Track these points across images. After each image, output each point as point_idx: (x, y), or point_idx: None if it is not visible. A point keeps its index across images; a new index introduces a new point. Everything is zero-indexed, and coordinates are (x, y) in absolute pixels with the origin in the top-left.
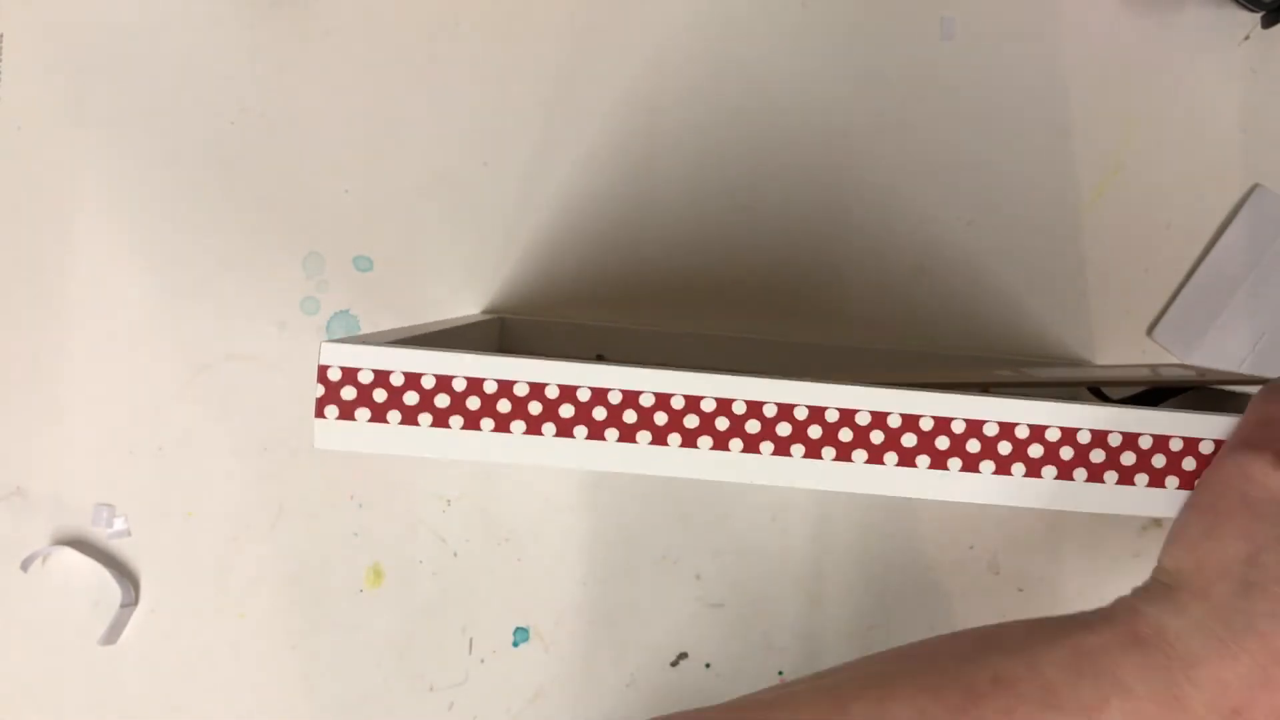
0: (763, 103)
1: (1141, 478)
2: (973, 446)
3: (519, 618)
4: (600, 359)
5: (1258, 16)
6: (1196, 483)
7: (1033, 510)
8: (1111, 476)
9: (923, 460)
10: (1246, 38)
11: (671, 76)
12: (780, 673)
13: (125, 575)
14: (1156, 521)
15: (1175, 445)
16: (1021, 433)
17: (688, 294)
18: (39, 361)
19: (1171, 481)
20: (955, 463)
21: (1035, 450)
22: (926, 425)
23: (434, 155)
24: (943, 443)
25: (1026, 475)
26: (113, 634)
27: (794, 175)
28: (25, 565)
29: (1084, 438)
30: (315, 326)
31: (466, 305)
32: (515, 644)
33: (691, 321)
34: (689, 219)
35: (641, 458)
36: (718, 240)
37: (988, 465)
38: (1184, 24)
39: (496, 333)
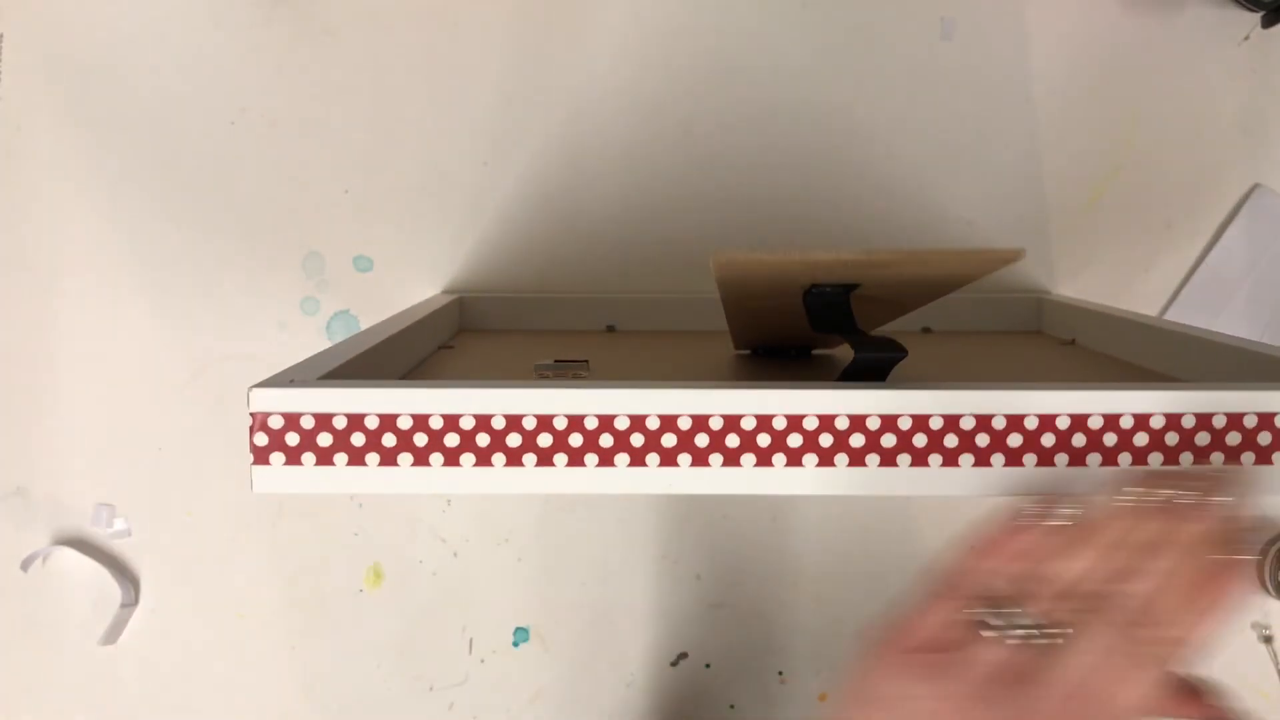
0: (763, 103)
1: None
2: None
3: (519, 618)
4: (610, 330)
5: (1258, 16)
6: None
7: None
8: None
9: (903, 459)
10: (1246, 38)
11: (672, 77)
12: (780, 673)
13: (125, 575)
14: None
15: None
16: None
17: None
18: (39, 362)
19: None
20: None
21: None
22: (906, 425)
23: (433, 155)
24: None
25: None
26: (113, 634)
27: (793, 176)
28: (25, 565)
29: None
30: (315, 327)
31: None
32: (515, 644)
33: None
34: (691, 221)
35: (601, 479)
36: (720, 241)
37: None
38: (1184, 24)
39: (456, 315)
